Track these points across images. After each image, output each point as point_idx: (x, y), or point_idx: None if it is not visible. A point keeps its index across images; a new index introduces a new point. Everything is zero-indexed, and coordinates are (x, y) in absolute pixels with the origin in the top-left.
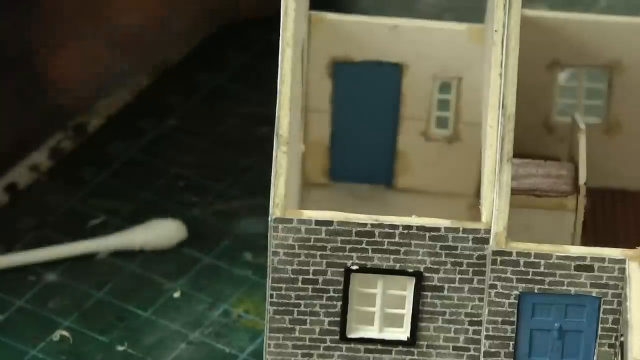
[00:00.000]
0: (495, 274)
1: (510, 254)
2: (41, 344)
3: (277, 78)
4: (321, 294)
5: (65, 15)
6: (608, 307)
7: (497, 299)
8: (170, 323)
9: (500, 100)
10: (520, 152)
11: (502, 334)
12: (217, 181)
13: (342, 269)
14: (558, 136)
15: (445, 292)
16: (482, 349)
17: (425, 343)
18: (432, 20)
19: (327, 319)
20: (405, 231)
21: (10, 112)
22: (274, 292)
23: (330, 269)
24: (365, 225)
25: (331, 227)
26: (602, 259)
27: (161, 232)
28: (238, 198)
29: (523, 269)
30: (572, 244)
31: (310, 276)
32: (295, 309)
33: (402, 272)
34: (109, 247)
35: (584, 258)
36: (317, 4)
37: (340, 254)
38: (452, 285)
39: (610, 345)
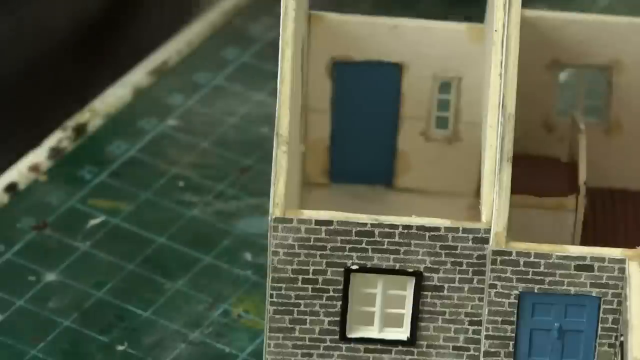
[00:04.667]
0: (495, 274)
1: (510, 253)
2: (41, 344)
3: (277, 78)
4: (321, 294)
5: None
6: (608, 307)
7: (497, 299)
8: (170, 323)
9: (500, 100)
10: (520, 152)
11: (502, 334)
12: (217, 181)
13: (342, 269)
14: (558, 136)
15: (445, 292)
16: (482, 349)
17: (425, 343)
18: (432, 20)
19: (327, 319)
20: (405, 231)
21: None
22: (274, 292)
23: (330, 268)
24: (365, 225)
25: (331, 227)
26: (602, 259)
27: None
28: (238, 198)
29: (523, 268)
30: (572, 244)
31: (310, 276)
32: (295, 309)
33: (402, 272)
34: None
35: (584, 258)
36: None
37: (340, 253)
38: (452, 285)
39: (610, 345)
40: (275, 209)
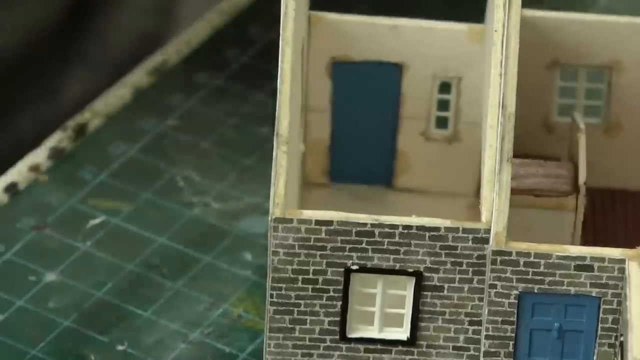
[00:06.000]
0: (495, 274)
1: (510, 253)
2: (41, 344)
3: (277, 78)
4: (321, 294)
5: None
6: (608, 307)
7: (497, 299)
8: (170, 323)
9: (500, 100)
10: (520, 152)
11: (502, 334)
12: (217, 181)
13: (342, 269)
14: (558, 136)
15: (445, 292)
16: (482, 349)
17: (425, 343)
18: (432, 20)
19: (327, 319)
20: (405, 231)
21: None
22: (274, 292)
23: (330, 268)
24: (365, 225)
25: (331, 227)
26: (602, 259)
27: None
28: (238, 198)
29: (523, 268)
30: (572, 244)
31: (310, 276)
32: (295, 309)
33: (402, 272)
34: None
35: (583, 258)
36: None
37: (340, 253)
38: (452, 285)
39: (610, 345)
40: (275, 209)
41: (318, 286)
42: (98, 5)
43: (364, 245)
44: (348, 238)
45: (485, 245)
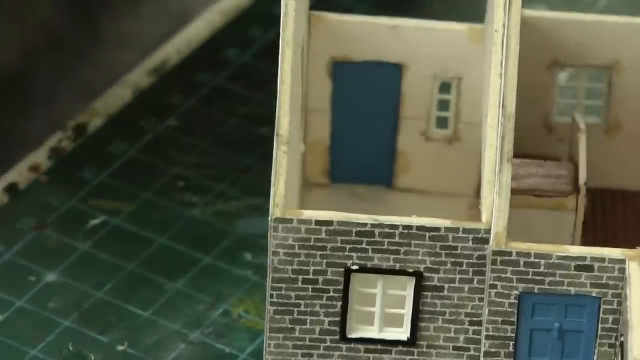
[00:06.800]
0: (495, 274)
1: (510, 254)
2: (41, 344)
3: (277, 78)
4: (321, 294)
5: None
6: (608, 307)
7: (497, 299)
8: (170, 323)
9: (500, 100)
10: (520, 152)
11: (502, 334)
12: (217, 181)
13: (342, 269)
14: (558, 136)
15: (445, 292)
16: (482, 349)
17: (425, 343)
18: (432, 20)
19: (327, 319)
20: (405, 231)
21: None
22: (274, 292)
23: (330, 269)
24: (365, 225)
25: (331, 227)
26: (602, 259)
27: None
28: (238, 198)
29: (523, 268)
30: (572, 244)
31: (310, 276)
32: (295, 309)
33: (402, 272)
34: None
35: (584, 258)
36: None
37: (340, 254)
38: (452, 285)
39: (610, 345)
40: (276, 209)
41: (318, 286)
42: (109, 40)
43: (364, 245)
44: (348, 238)
45: (486, 246)
